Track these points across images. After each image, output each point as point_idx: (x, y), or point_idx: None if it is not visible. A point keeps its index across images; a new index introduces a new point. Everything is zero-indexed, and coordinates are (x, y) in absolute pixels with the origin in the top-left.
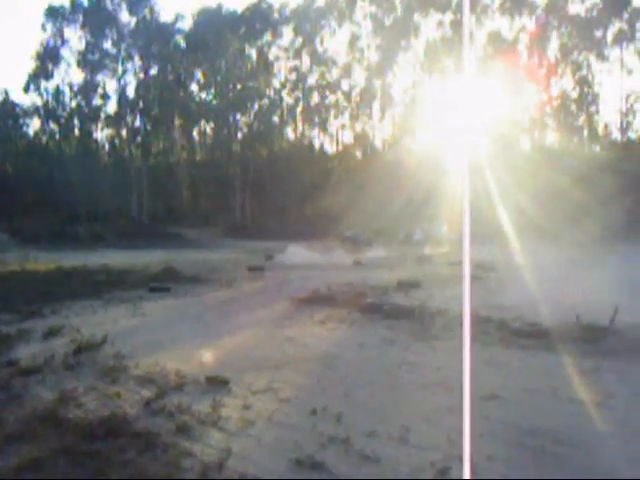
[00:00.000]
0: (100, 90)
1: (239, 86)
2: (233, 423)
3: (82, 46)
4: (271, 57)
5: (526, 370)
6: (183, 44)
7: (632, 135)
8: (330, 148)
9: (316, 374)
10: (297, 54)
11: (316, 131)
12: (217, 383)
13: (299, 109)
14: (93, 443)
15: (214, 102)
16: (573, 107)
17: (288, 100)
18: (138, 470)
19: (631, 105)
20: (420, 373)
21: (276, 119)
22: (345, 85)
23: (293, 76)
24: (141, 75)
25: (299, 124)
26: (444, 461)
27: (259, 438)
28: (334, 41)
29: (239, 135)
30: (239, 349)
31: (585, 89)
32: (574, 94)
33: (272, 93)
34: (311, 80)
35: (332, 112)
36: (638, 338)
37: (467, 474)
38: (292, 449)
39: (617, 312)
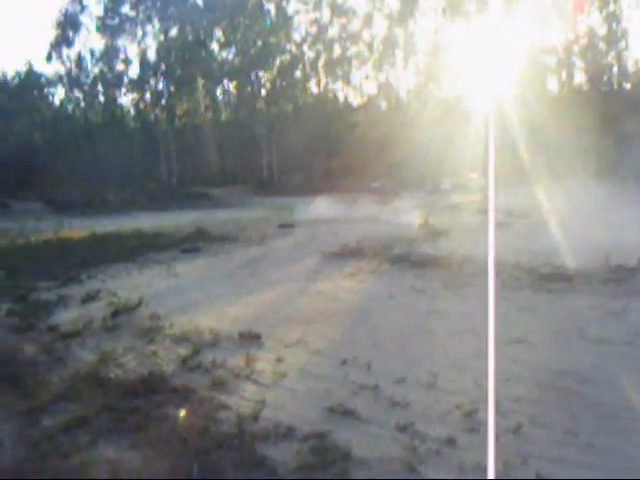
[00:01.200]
0: (122, 55)
1: (260, 42)
2: (266, 376)
3: (101, 11)
4: (290, 11)
5: (555, 313)
6: (201, 3)
7: None
8: (354, 100)
9: (346, 326)
10: (316, 6)
11: (339, 84)
12: (250, 338)
13: (321, 62)
14: (133, 400)
15: (236, 60)
16: (601, 45)
17: (310, 54)
18: (176, 423)
19: None
20: (448, 320)
21: (299, 74)
22: (367, 35)
23: (313, 29)
24: (161, 37)
25: (322, 77)
26: (471, 404)
27: (292, 389)
28: None
29: (263, 92)
30: (271, 304)
31: (614, 25)
32: (602, 31)
33: (293, 48)
34: (332, 32)
35: (355, 64)
36: None
37: (492, 416)
38: (324, 398)
39: None
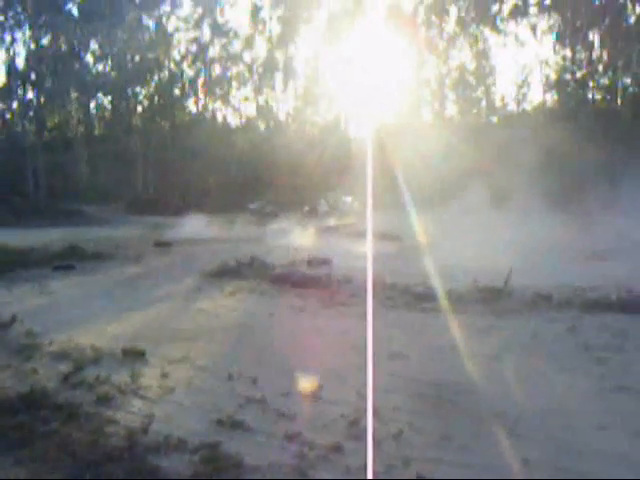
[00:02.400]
0: None
1: (137, 58)
2: (153, 391)
3: None
4: (170, 28)
5: (428, 330)
6: (76, 13)
7: (527, 106)
8: (233, 121)
9: (230, 343)
10: (197, 25)
11: (218, 103)
12: (133, 354)
13: (200, 81)
14: (15, 416)
15: (112, 74)
16: (471, 79)
17: (189, 72)
18: (63, 438)
19: (525, 77)
20: (329, 337)
21: (177, 91)
22: (247, 57)
23: (194, 48)
24: (32, 45)
25: (201, 96)
26: (354, 414)
27: (180, 403)
28: (235, 12)
29: (139, 108)
30: (152, 322)
31: (482, 62)
32: (472, 66)
33: (172, 65)
34: (212, 52)
35: (234, 84)
36: (529, 297)
37: (370, 424)
38: (212, 411)
39: (511, 274)
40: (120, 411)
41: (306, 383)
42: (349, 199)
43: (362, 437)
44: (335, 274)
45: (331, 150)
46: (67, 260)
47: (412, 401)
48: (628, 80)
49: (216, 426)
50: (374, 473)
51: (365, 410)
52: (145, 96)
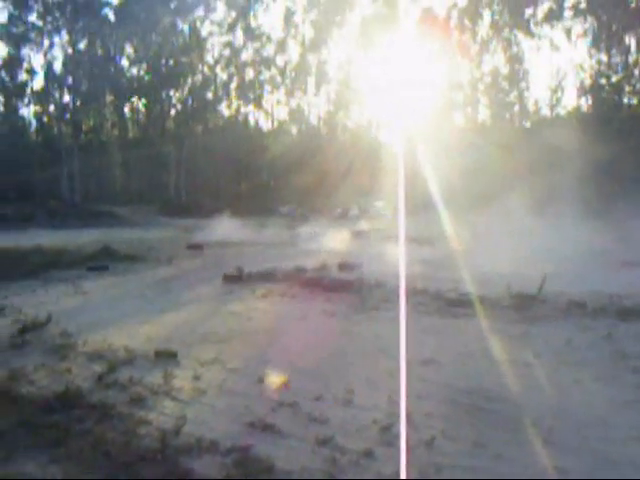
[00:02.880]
0: (26, 65)
1: (171, 62)
2: (185, 393)
3: (4, 18)
4: (204, 32)
5: (461, 336)
6: (112, 18)
7: (560, 111)
8: (265, 124)
9: (261, 345)
10: (230, 29)
11: (251, 107)
12: (166, 356)
13: (233, 85)
14: (51, 415)
15: (146, 78)
16: (504, 84)
17: (222, 76)
18: (97, 438)
19: (559, 82)
20: (361, 342)
21: (210, 95)
22: (280, 61)
23: (227, 52)
24: (69, 50)
25: (233, 100)
26: (387, 419)
27: (212, 405)
28: (268, 16)
29: (172, 112)
30: (184, 324)
31: (516, 66)
32: (505, 70)
33: (205, 69)
34: (245, 56)
35: (267, 88)
36: (563, 304)
37: (403, 429)
38: (244, 414)
39: (545, 280)
40: (153, 412)
41: (338, 388)
42: (380, 204)
43: (394, 443)
44: (367, 279)
45: (362, 154)
46: (100, 261)
47: (445, 408)
48: None
49: (248, 428)
50: None
51: (397, 416)
52: (178, 100)
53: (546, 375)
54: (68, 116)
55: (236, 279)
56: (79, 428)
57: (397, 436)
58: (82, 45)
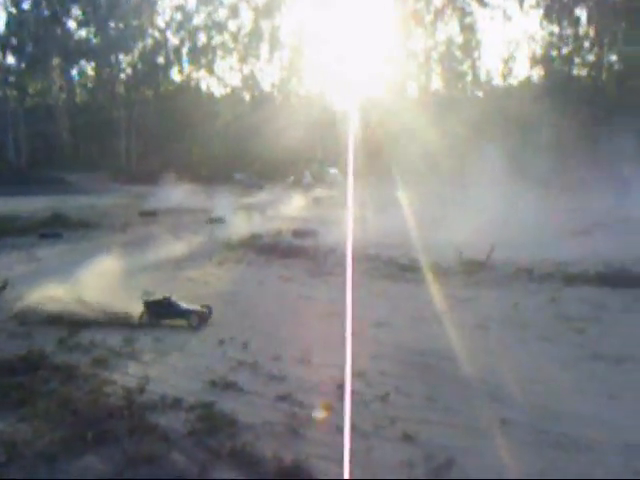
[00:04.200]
0: None
1: (121, 24)
2: (147, 354)
3: None
4: None
5: (412, 300)
6: None
7: (512, 81)
8: (218, 91)
9: (220, 309)
10: None
11: (203, 73)
12: (126, 319)
13: (185, 50)
14: (15, 376)
15: (94, 41)
16: (458, 53)
17: (173, 40)
18: (64, 397)
19: (512, 52)
20: (316, 305)
21: (161, 60)
22: (232, 26)
23: (178, 15)
24: (12, 9)
25: (185, 65)
26: (342, 376)
27: (174, 366)
28: None
29: (122, 76)
30: (144, 289)
31: (469, 36)
32: (459, 40)
33: (156, 33)
34: (197, 20)
35: (219, 54)
36: (512, 270)
37: (348, 386)
38: (205, 373)
39: (493, 249)
40: (116, 373)
41: (296, 348)
42: (334, 171)
43: (350, 398)
44: (321, 245)
45: (316, 122)
46: (53, 228)
47: (398, 366)
48: (613, 57)
49: (210, 387)
50: (362, 432)
51: (352, 374)
52: (128, 64)
53: (494, 336)
54: (12, 79)
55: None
56: (45, 388)
57: (353, 392)
58: (26, 5)
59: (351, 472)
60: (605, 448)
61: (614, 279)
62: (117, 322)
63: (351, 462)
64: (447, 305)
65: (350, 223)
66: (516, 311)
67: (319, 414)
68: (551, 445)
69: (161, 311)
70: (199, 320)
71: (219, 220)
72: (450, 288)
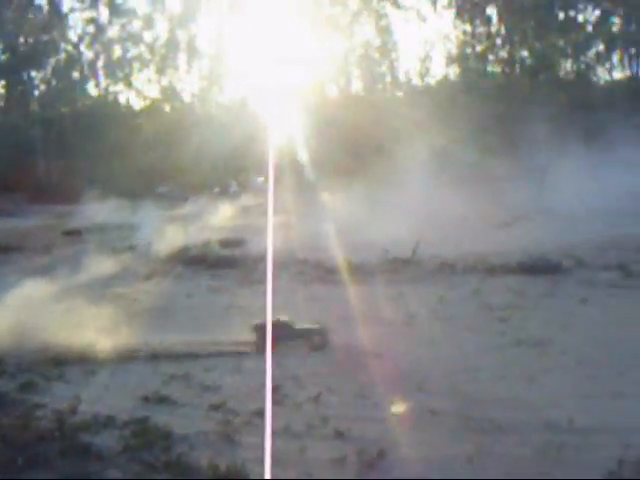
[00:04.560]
0: None
1: (31, 40)
2: (76, 375)
3: None
4: (65, 8)
5: (342, 301)
6: None
7: (430, 80)
8: (137, 103)
9: (150, 325)
10: (93, 5)
11: (120, 86)
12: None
13: (100, 63)
14: None
15: (3, 57)
16: (376, 55)
17: (88, 54)
18: None
19: (428, 52)
20: (246, 314)
21: (76, 74)
22: (148, 37)
23: (91, 28)
24: None
25: (102, 79)
26: (275, 381)
27: (105, 384)
28: None
29: (36, 93)
30: (73, 311)
31: (386, 37)
32: (376, 42)
33: (69, 47)
34: (111, 32)
35: (136, 66)
36: (436, 266)
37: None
38: (137, 389)
39: (418, 245)
40: (46, 396)
41: (229, 359)
42: (261, 179)
43: (283, 402)
44: (250, 253)
45: (239, 130)
46: None
47: (329, 366)
48: (525, 53)
49: (143, 402)
50: (295, 433)
51: (285, 378)
52: (42, 80)
53: (421, 331)
54: None
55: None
56: None
57: (286, 395)
58: None
59: (286, 472)
60: (527, 428)
61: (534, 267)
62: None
63: (285, 463)
64: (375, 303)
65: (271, 229)
66: (442, 305)
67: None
68: (477, 430)
69: (279, 334)
70: (321, 340)
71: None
72: (377, 287)
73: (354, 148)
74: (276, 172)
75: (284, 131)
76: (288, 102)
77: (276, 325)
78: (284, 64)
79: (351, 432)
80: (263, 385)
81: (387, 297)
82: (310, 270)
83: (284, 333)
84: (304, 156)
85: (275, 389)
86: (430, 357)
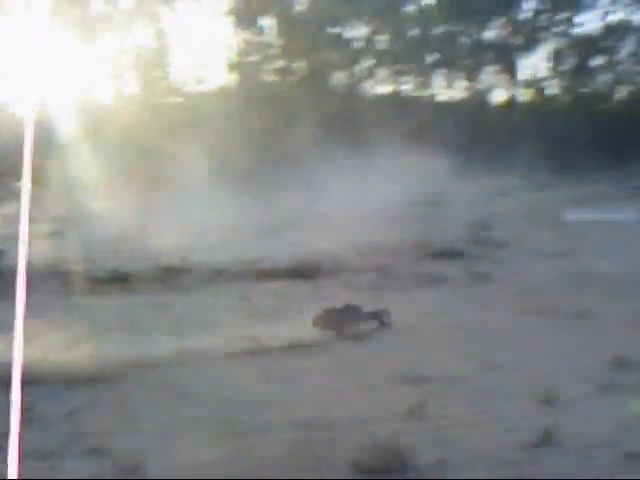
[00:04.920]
0: None
1: None
2: None
3: None
4: None
5: (109, 312)
6: None
7: (208, 86)
8: None
9: None
10: None
11: None
12: None
13: None
14: None
15: None
16: (150, 58)
17: None
18: None
19: (206, 58)
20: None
21: None
22: None
23: None
24: None
25: None
26: None
27: None
28: None
29: None
30: None
31: (162, 41)
32: (151, 45)
33: None
34: None
35: None
36: (207, 273)
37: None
38: None
39: (189, 252)
40: None
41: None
42: (18, 184)
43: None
44: (9, 265)
45: (3, 133)
46: None
47: (88, 383)
48: (303, 64)
49: None
50: (51, 452)
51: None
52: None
53: (181, 341)
54: None
55: None
56: None
57: (40, 414)
58: None
59: None
60: (284, 426)
61: (299, 271)
62: None
63: None
64: (141, 313)
65: (26, 239)
66: (208, 313)
67: None
68: (237, 433)
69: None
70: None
71: None
72: (147, 295)
73: (128, 153)
74: (43, 177)
75: (50, 135)
76: (55, 104)
77: (345, 309)
78: (49, 66)
79: (108, 447)
80: None
81: (154, 305)
82: (79, 281)
83: (354, 316)
84: (74, 161)
85: None
86: (189, 366)
